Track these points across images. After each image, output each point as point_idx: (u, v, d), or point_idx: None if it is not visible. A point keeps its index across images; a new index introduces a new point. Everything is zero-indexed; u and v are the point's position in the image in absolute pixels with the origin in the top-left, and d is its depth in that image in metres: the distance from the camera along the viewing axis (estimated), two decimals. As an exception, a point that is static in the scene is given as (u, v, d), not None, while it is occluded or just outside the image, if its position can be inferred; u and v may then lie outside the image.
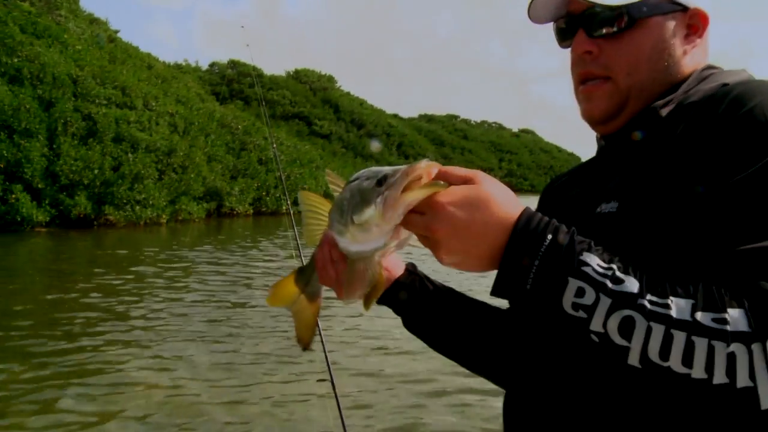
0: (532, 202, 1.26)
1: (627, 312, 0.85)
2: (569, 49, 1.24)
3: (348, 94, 57.24)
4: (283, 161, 28.51)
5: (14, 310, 8.97)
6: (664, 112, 1.13)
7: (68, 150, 18.94)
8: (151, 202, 20.63)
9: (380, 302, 1.36)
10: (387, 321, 8.03)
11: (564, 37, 1.25)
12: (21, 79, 19.55)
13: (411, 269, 1.41)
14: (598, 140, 1.32)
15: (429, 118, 79.92)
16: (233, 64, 50.27)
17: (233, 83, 47.74)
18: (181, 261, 13.89)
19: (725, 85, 1.08)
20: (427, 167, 0.94)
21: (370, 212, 0.97)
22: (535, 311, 0.92)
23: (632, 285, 0.86)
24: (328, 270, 1.18)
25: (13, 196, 17.30)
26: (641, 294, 0.85)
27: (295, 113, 47.00)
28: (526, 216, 0.92)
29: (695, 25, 1.18)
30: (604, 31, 1.16)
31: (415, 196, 0.93)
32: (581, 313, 0.87)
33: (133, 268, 12.81)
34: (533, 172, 78.05)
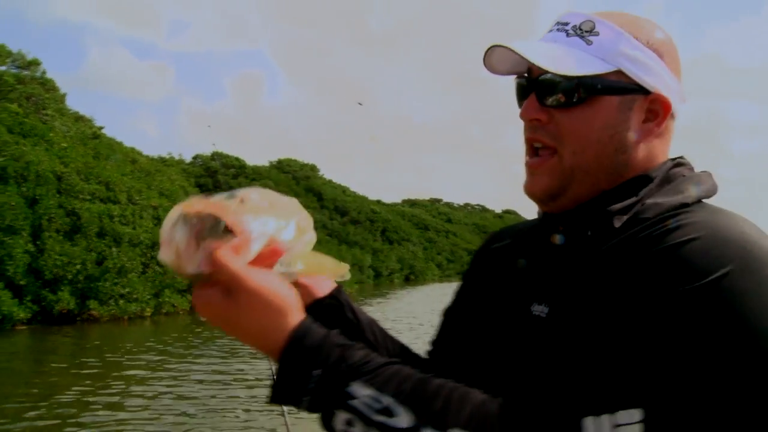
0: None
1: None
2: None
3: (330, 182, 57.92)
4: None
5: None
6: (618, 222, 1.03)
7: (52, 245, 18.90)
8: (135, 296, 20.45)
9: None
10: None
11: (520, 96, 1.15)
12: (6, 177, 19.70)
13: (336, 293, 1.31)
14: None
15: (412, 203, 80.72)
16: (217, 155, 50.91)
17: (217, 175, 48.19)
18: (163, 360, 13.68)
19: (684, 205, 1.01)
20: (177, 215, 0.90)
21: None
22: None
23: (402, 420, 0.86)
24: None
25: (-5, 293, 17.12)
26: (415, 428, 0.86)
27: (279, 202, 47.32)
28: (289, 352, 0.90)
29: (655, 111, 1.08)
30: (555, 99, 1.08)
31: (171, 264, 0.91)
32: None
33: (113, 373, 12.57)
34: (517, 253, 78.19)
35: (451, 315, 1.33)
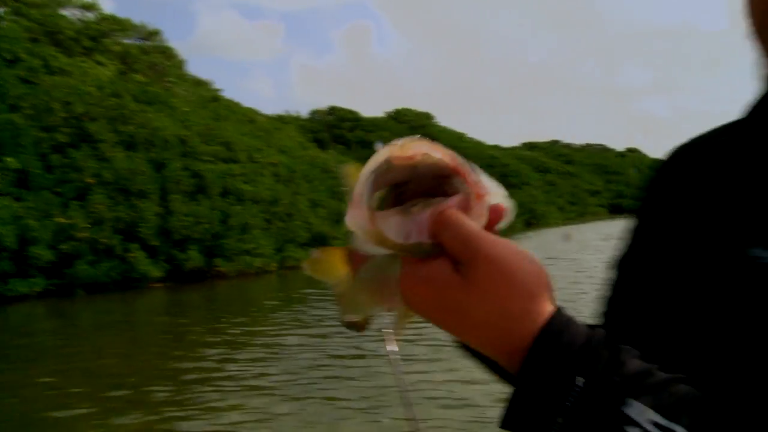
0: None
1: None
2: None
3: (447, 129, 57.41)
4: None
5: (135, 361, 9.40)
6: None
7: (179, 207, 19.90)
8: (259, 252, 21.24)
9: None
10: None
11: None
12: (135, 144, 20.82)
13: None
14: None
15: (531, 146, 78.86)
16: (332, 110, 51.65)
17: (333, 129, 48.98)
18: (290, 309, 14.17)
19: None
20: (401, 151, 0.66)
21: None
22: None
23: None
24: None
25: (131, 254, 18.30)
26: None
27: (395, 153, 47.45)
28: (541, 350, 0.63)
29: None
30: None
31: (366, 233, 0.67)
32: None
33: (241, 319, 13.16)
34: (645, 192, 75.02)
35: (625, 267, 0.95)
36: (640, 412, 0.58)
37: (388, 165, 0.66)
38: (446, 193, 0.67)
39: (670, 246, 0.86)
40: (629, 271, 0.93)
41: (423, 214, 0.66)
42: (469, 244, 0.63)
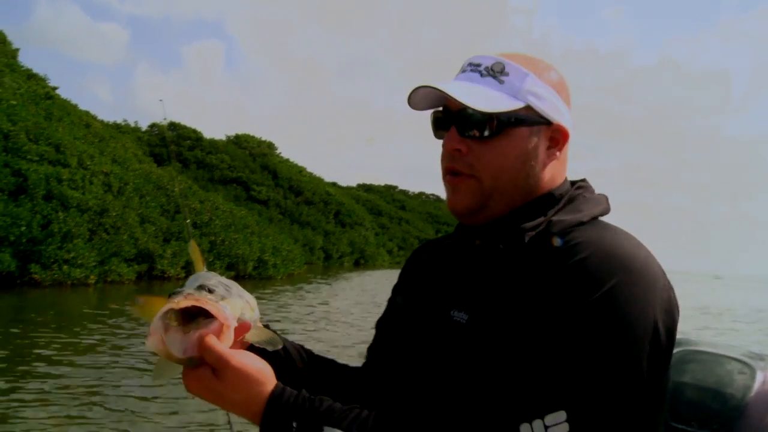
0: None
1: None
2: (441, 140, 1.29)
3: (287, 161, 57.37)
4: (217, 225, 28.44)
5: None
6: (528, 237, 1.20)
7: (-5, 205, 18.36)
8: (79, 262, 20.03)
9: None
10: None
11: (438, 128, 1.30)
12: (-50, 131, 19.04)
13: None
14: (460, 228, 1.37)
15: (368, 188, 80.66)
16: (173, 126, 50.01)
17: (172, 145, 47.38)
18: (107, 326, 13.49)
19: (581, 223, 1.19)
20: (179, 303, 1.04)
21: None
22: None
23: None
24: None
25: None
26: None
27: (234, 178, 46.72)
28: (270, 412, 1.07)
29: (557, 139, 1.26)
30: (474, 133, 1.22)
31: (159, 351, 1.04)
32: None
33: (46, 340, 12.35)
34: (468, 245, 78.70)
35: (382, 326, 1.48)
36: (330, 431, 1.05)
37: (169, 310, 1.05)
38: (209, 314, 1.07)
39: (405, 309, 1.39)
40: (383, 328, 1.47)
41: (194, 335, 1.04)
42: (220, 359, 1.05)
